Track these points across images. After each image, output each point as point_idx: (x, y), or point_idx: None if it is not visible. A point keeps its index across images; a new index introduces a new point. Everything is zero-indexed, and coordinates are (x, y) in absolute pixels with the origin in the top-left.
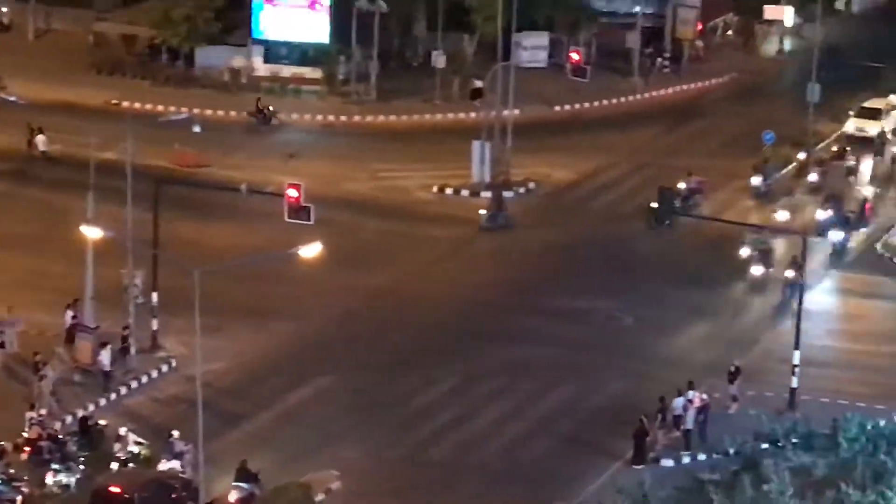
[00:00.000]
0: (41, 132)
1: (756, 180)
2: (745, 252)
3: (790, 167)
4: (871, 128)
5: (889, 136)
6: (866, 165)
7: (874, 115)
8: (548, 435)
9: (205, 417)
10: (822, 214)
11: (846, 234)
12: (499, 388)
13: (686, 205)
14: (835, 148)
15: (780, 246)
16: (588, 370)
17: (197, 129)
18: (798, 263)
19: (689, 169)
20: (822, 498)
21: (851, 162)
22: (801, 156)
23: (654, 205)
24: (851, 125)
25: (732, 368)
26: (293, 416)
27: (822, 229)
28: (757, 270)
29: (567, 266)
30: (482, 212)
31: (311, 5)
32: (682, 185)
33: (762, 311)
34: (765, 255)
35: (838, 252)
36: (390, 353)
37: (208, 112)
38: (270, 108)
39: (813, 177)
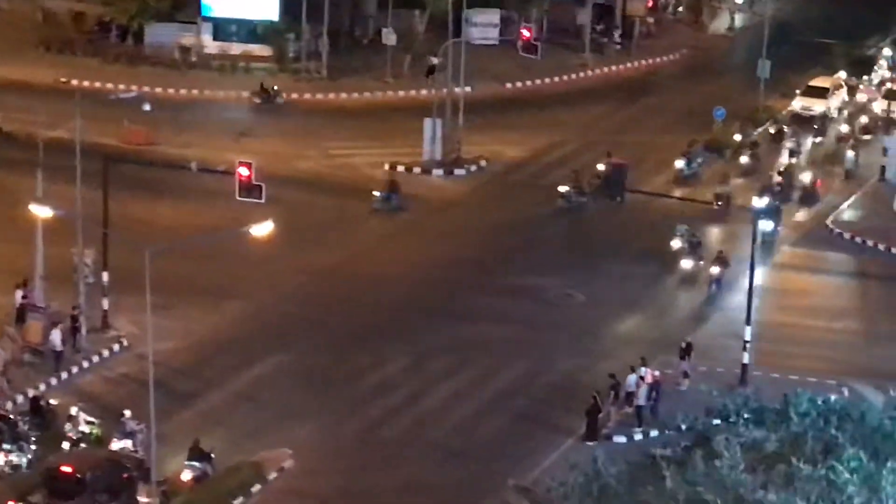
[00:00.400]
0: None
1: (680, 163)
2: (675, 244)
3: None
4: (818, 106)
5: (835, 114)
6: (806, 146)
7: (821, 93)
8: (500, 412)
9: (157, 397)
10: (759, 202)
11: (776, 225)
12: (451, 365)
13: (607, 185)
14: (772, 129)
15: (711, 237)
16: (541, 347)
17: (147, 107)
18: (724, 259)
19: (609, 150)
20: (774, 472)
21: (790, 144)
22: (738, 137)
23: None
24: (797, 104)
25: (684, 345)
26: (246, 395)
27: (759, 216)
28: (687, 263)
29: (519, 243)
30: (376, 193)
31: None
32: (600, 167)
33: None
34: (694, 248)
35: (767, 243)
36: (343, 331)
37: (158, 90)
38: (275, 87)
39: (744, 159)
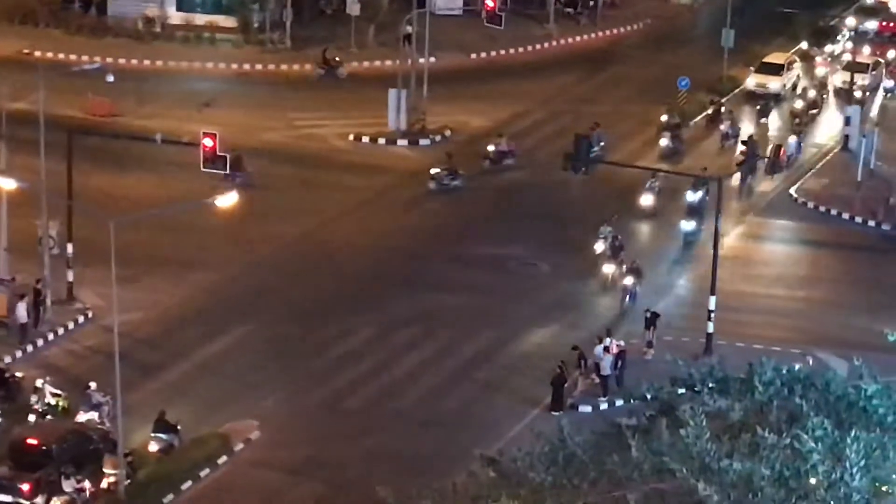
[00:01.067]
0: None
1: (664, 141)
2: (598, 247)
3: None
4: (773, 83)
5: (787, 92)
6: (744, 129)
7: (776, 70)
8: (466, 383)
9: (122, 368)
10: (693, 196)
11: (697, 224)
12: (417, 336)
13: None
14: (710, 111)
15: (635, 238)
16: (505, 318)
17: (110, 78)
18: (637, 269)
19: (500, 131)
20: (739, 441)
21: (723, 126)
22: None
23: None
24: (752, 81)
25: (649, 314)
26: (211, 367)
27: (690, 212)
28: (608, 268)
29: (483, 213)
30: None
31: None
32: (490, 147)
33: (677, 258)
34: (616, 251)
35: (689, 243)
36: (308, 302)
37: (122, 61)
38: (337, 58)
39: (664, 142)
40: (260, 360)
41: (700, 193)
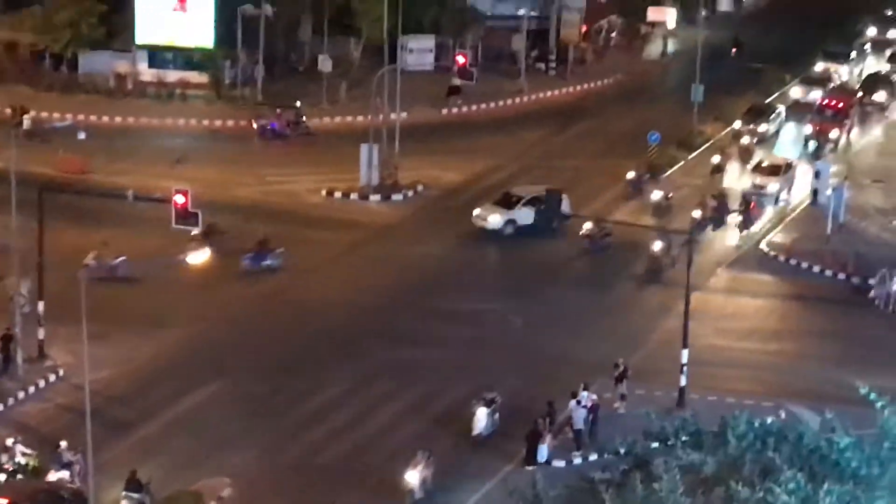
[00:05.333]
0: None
1: (657, 194)
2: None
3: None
4: (771, 185)
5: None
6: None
7: (774, 171)
8: (440, 437)
9: (93, 426)
10: (658, 245)
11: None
12: (390, 390)
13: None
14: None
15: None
16: (479, 372)
17: (81, 135)
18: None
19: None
20: (712, 495)
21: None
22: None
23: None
24: (748, 180)
25: (621, 367)
26: (183, 424)
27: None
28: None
29: (457, 268)
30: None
31: (181, 6)
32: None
33: (650, 310)
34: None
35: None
36: (280, 357)
37: (93, 118)
38: (304, 117)
39: (656, 194)
40: (232, 416)
41: (661, 244)
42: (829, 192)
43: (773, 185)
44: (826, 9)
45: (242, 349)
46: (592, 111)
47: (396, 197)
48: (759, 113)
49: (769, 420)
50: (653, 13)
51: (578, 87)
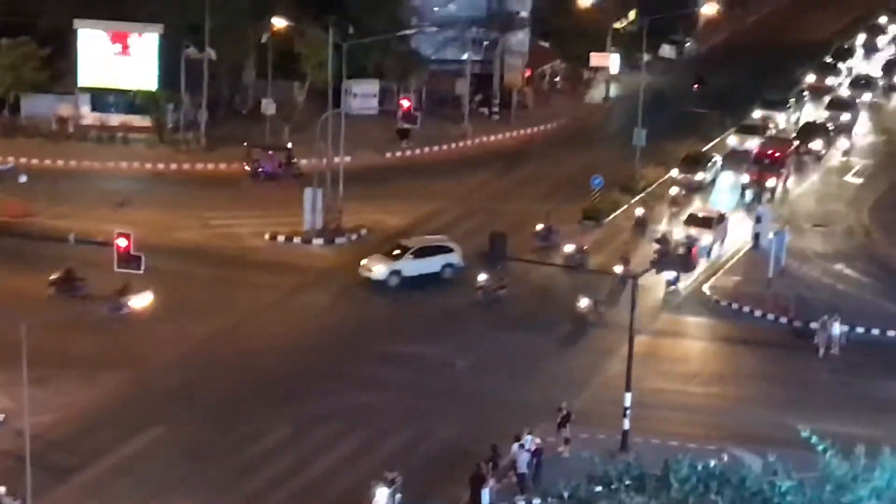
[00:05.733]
0: None
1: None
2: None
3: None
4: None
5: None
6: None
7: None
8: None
9: (34, 471)
10: (583, 302)
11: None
12: (333, 434)
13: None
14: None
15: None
16: (423, 415)
17: (23, 178)
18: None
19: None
20: None
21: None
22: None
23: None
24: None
25: (564, 411)
26: (125, 468)
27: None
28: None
29: (400, 311)
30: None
31: (124, 50)
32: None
33: (593, 353)
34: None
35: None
36: (223, 401)
37: (35, 161)
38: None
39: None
40: (174, 461)
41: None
42: (770, 236)
43: (706, 238)
44: (766, 55)
45: (185, 393)
46: (536, 155)
47: (340, 241)
48: (696, 162)
49: (712, 463)
50: (595, 59)
51: (522, 132)
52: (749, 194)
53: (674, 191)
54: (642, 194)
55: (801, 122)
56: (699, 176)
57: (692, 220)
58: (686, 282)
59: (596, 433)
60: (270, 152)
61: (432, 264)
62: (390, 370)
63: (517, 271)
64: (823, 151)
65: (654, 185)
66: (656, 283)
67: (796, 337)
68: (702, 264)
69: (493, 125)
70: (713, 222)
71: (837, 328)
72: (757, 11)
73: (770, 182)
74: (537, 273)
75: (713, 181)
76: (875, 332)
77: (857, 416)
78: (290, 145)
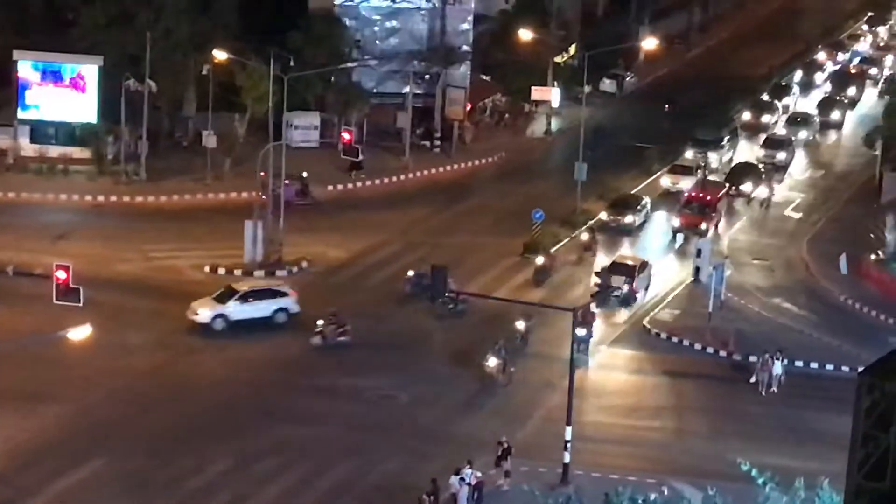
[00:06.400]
0: None
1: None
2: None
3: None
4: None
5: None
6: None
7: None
8: None
9: None
10: (521, 324)
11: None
12: (274, 468)
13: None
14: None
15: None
16: (363, 449)
17: None
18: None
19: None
20: None
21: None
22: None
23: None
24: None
25: (505, 444)
26: (64, 501)
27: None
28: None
29: (341, 344)
30: None
31: (74, 86)
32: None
33: (534, 386)
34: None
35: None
36: (163, 434)
37: None
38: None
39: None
40: (114, 495)
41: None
42: (710, 270)
43: (626, 286)
44: (704, 90)
45: (125, 426)
46: (477, 188)
47: (281, 273)
48: (625, 204)
49: (652, 496)
50: (537, 92)
51: (463, 165)
52: (680, 238)
53: (585, 236)
54: (583, 228)
55: (733, 163)
56: (628, 219)
57: (614, 268)
58: (627, 314)
59: (536, 466)
60: (287, 181)
61: (261, 309)
62: (331, 403)
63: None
64: (754, 195)
65: (594, 220)
66: (597, 317)
67: (736, 370)
68: (639, 300)
69: (435, 158)
70: (636, 270)
71: (779, 367)
72: (700, 45)
73: (701, 226)
74: (481, 304)
75: (643, 224)
76: (814, 365)
77: (795, 448)
78: (305, 174)
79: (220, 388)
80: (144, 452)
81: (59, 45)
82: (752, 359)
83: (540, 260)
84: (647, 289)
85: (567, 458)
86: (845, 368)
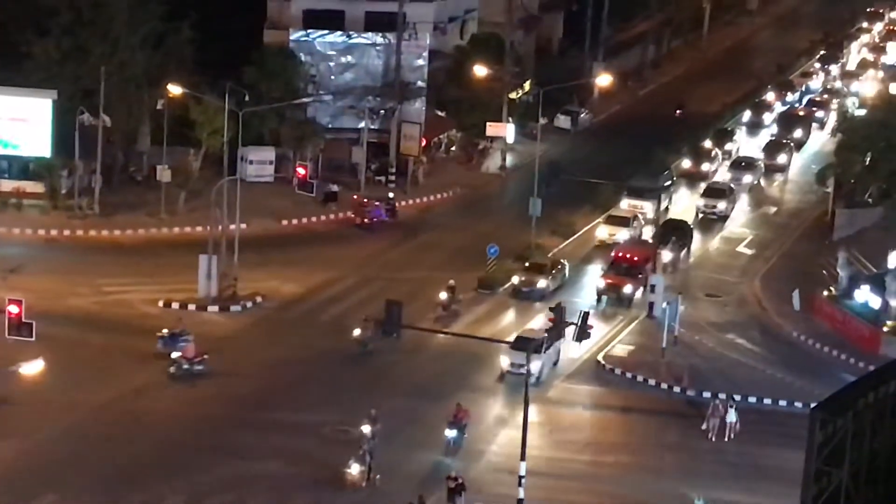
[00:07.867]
0: None
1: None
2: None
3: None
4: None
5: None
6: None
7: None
8: None
9: None
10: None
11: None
12: None
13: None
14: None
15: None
16: (318, 485)
17: None
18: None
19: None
20: None
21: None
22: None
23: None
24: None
25: (459, 480)
26: None
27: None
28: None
29: (295, 379)
30: None
31: (19, 114)
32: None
33: (488, 421)
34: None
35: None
36: (115, 469)
37: None
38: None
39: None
40: None
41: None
42: (663, 305)
43: (535, 364)
44: (652, 129)
45: (77, 461)
46: (432, 224)
47: (235, 308)
48: (539, 270)
49: None
50: (491, 128)
51: (418, 200)
52: (605, 301)
53: (443, 295)
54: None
55: (662, 220)
56: (541, 284)
57: (518, 343)
58: (581, 350)
59: (490, 502)
60: (377, 202)
61: None
62: (285, 438)
63: (417, 339)
64: (679, 257)
65: (552, 252)
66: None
67: (689, 406)
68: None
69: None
70: (541, 345)
71: (734, 414)
72: (654, 81)
73: (627, 288)
74: (435, 339)
75: (557, 289)
76: (766, 401)
77: (749, 485)
78: (391, 195)
79: (173, 424)
80: (96, 488)
81: (11, 79)
82: (705, 394)
83: (443, 295)
84: (555, 365)
85: (521, 493)
86: (798, 404)
